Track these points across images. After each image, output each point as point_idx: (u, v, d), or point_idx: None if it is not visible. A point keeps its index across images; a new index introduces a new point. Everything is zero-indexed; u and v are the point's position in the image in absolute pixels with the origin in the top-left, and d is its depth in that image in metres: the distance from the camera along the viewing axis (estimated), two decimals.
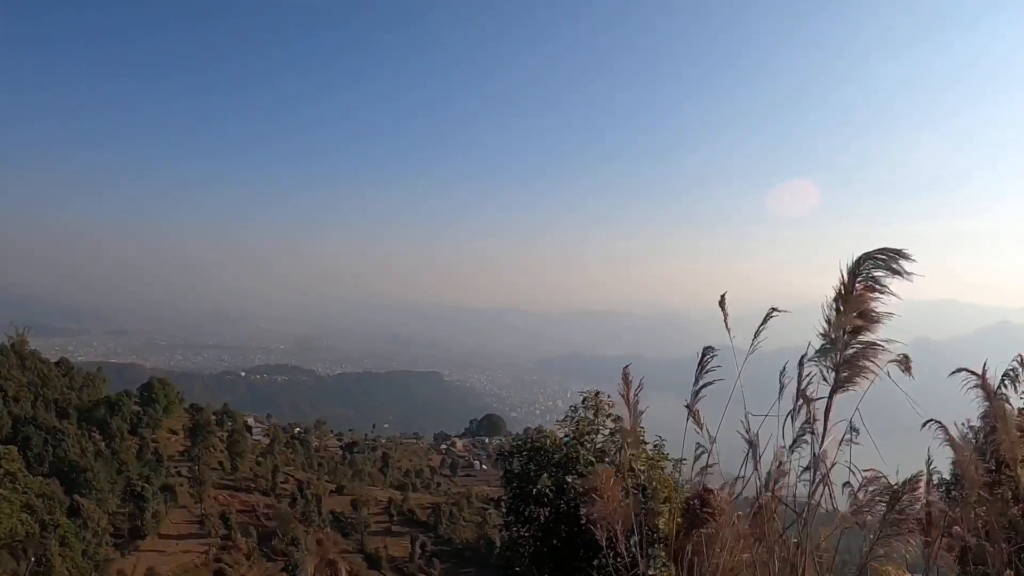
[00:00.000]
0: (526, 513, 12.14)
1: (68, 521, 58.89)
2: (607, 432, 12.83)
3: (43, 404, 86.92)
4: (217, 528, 79.46)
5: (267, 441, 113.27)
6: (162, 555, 71.85)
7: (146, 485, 73.12)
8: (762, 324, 4.11)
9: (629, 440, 7.87)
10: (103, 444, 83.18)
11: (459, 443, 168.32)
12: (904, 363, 3.94)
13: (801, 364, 4.15)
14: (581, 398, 13.50)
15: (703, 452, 4.78)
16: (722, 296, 5.12)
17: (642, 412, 5.41)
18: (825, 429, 3.90)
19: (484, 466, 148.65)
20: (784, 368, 4.36)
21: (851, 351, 3.75)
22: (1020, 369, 6.65)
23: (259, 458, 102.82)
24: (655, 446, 11.96)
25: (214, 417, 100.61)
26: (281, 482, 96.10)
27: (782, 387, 4.28)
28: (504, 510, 13.45)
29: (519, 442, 13.32)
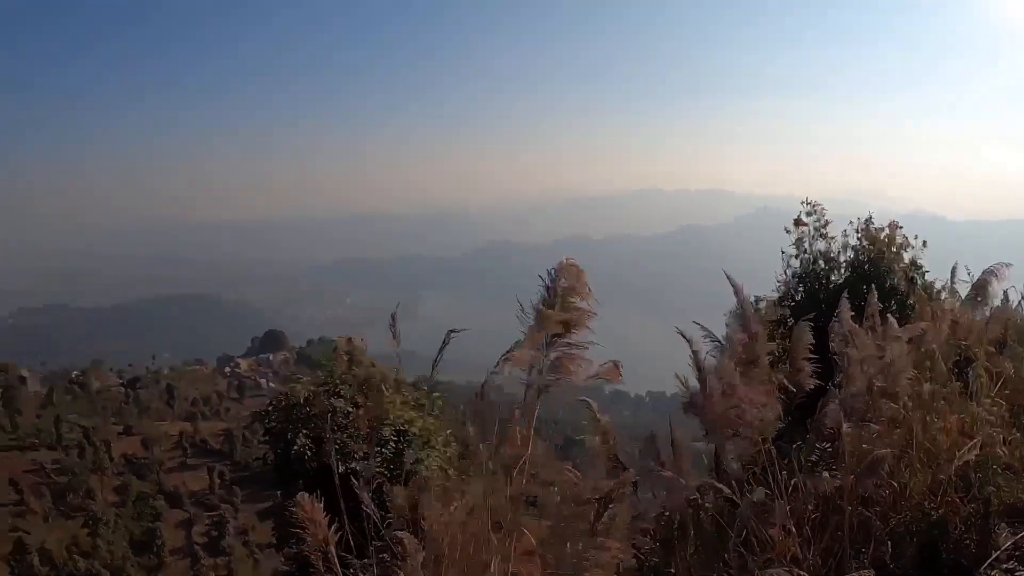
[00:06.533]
0: (294, 469, 11.67)
1: None
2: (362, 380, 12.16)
3: None
4: (7, 494, 77.14)
5: (44, 391, 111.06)
6: None
7: None
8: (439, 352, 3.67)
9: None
10: None
11: (243, 364, 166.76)
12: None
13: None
14: (333, 347, 13.26)
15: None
16: None
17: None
18: None
19: (271, 384, 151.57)
20: None
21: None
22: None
23: (39, 410, 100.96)
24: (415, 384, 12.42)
25: None
26: (66, 432, 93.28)
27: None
28: (273, 472, 13.14)
29: (272, 401, 12.76)
